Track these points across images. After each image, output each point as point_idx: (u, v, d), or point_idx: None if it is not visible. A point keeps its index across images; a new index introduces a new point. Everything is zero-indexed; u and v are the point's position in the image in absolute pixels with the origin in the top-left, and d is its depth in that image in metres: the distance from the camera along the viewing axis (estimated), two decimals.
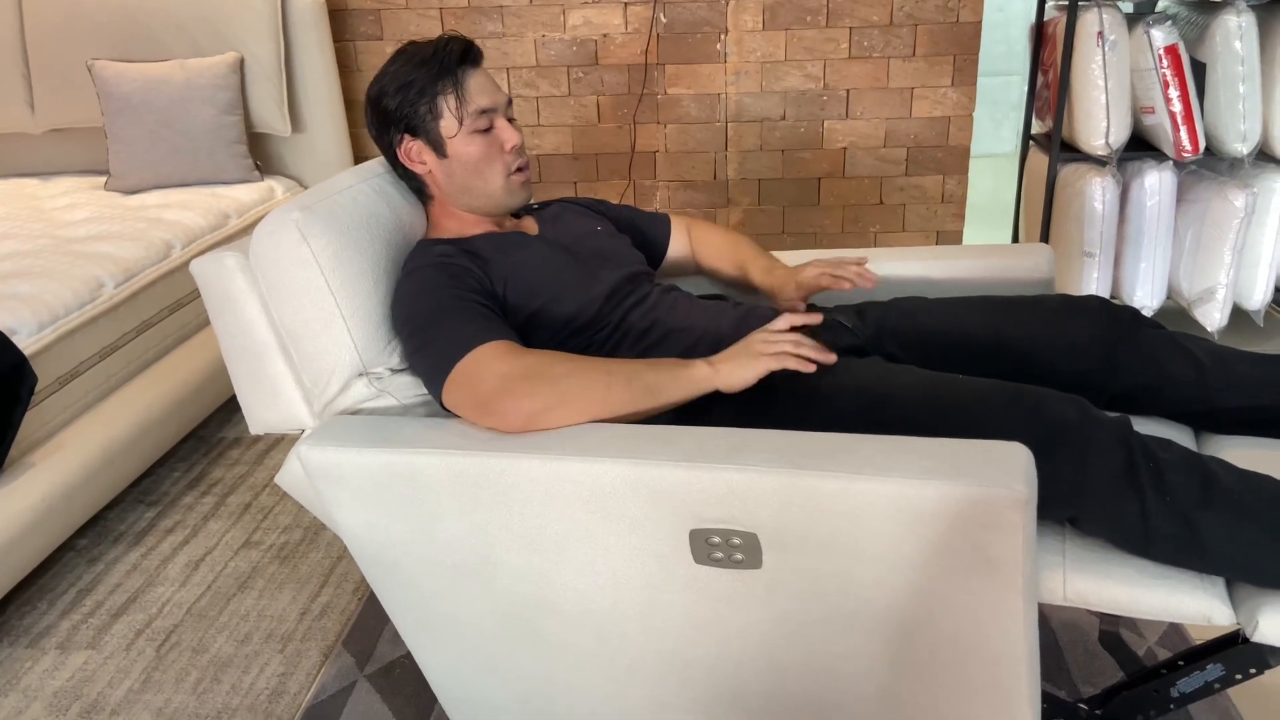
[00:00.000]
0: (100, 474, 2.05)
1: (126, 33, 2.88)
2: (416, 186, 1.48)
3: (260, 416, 1.39)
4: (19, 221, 2.57)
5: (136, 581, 1.97)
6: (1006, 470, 0.97)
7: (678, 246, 1.73)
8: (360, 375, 1.32)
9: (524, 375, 1.17)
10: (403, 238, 1.43)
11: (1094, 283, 2.63)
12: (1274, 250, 2.60)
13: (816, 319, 1.30)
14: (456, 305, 1.26)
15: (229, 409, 2.64)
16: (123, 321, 2.23)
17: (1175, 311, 2.77)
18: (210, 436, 2.52)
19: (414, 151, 1.43)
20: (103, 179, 2.95)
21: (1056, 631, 1.69)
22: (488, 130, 1.41)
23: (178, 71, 2.80)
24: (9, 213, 2.66)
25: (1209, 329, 2.62)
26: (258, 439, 2.48)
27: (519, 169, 1.44)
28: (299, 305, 1.28)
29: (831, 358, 1.24)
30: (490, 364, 1.18)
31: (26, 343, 1.93)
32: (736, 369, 1.23)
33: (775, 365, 1.22)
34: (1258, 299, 2.66)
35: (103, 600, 1.92)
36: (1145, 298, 2.65)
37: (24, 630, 1.84)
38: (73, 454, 1.99)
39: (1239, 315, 2.77)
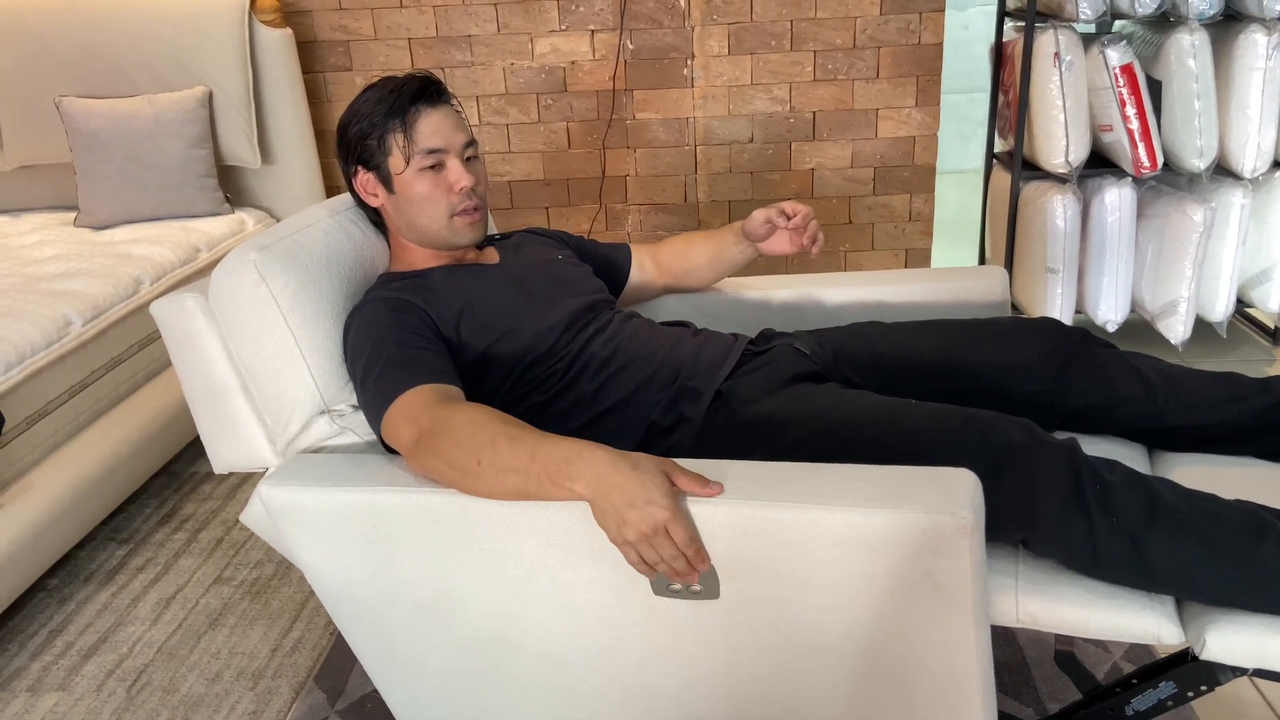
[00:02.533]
0: (70, 513, 2.04)
1: (94, 69, 2.88)
2: (375, 219, 1.50)
3: (223, 456, 1.40)
4: None
5: (107, 621, 1.96)
6: (953, 497, 0.98)
7: (639, 270, 1.75)
8: (322, 413, 1.32)
9: (425, 437, 1.15)
10: (364, 273, 1.44)
11: (1058, 298, 2.66)
12: (1234, 263, 2.64)
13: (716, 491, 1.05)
14: (388, 347, 1.26)
15: (200, 444, 2.62)
16: (91, 359, 2.23)
17: (1139, 325, 2.81)
18: (182, 472, 2.51)
19: (367, 184, 1.45)
20: (73, 215, 2.95)
21: (1024, 649, 1.70)
22: (438, 169, 1.41)
23: (146, 106, 2.80)
24: None
25: (1173, 341, 2.65)
26: (229, 473, 2.48)
27: (466, 210, 1.43)
28: (259, 345, 1.29)
29: (692, 579, 1.06)
30: (408, 416, 1.18)
31: None
32: (602, 510, 1.03)
33: (627, 554, 1.04)
34: (1220, 311, 2.70)
35: (73, 641, 1.91)
36: (1109, 312, 2.68)
37: None
38: (42, 493, 1.99)
39: (1202, 327, 2.81)
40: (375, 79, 1.46)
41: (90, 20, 2.86)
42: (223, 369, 1.35)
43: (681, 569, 1.04)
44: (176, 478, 2.49)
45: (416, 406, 1.18)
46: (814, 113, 3.11)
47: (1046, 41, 2.49)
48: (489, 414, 1.14)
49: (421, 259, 1.48)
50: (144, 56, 2.87)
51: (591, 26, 3.04)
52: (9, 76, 2.90)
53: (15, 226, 2.90)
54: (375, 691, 1.71)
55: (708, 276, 1.76)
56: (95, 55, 2.88)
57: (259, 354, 1.30)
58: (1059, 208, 2.56)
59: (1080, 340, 1.41)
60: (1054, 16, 2.56)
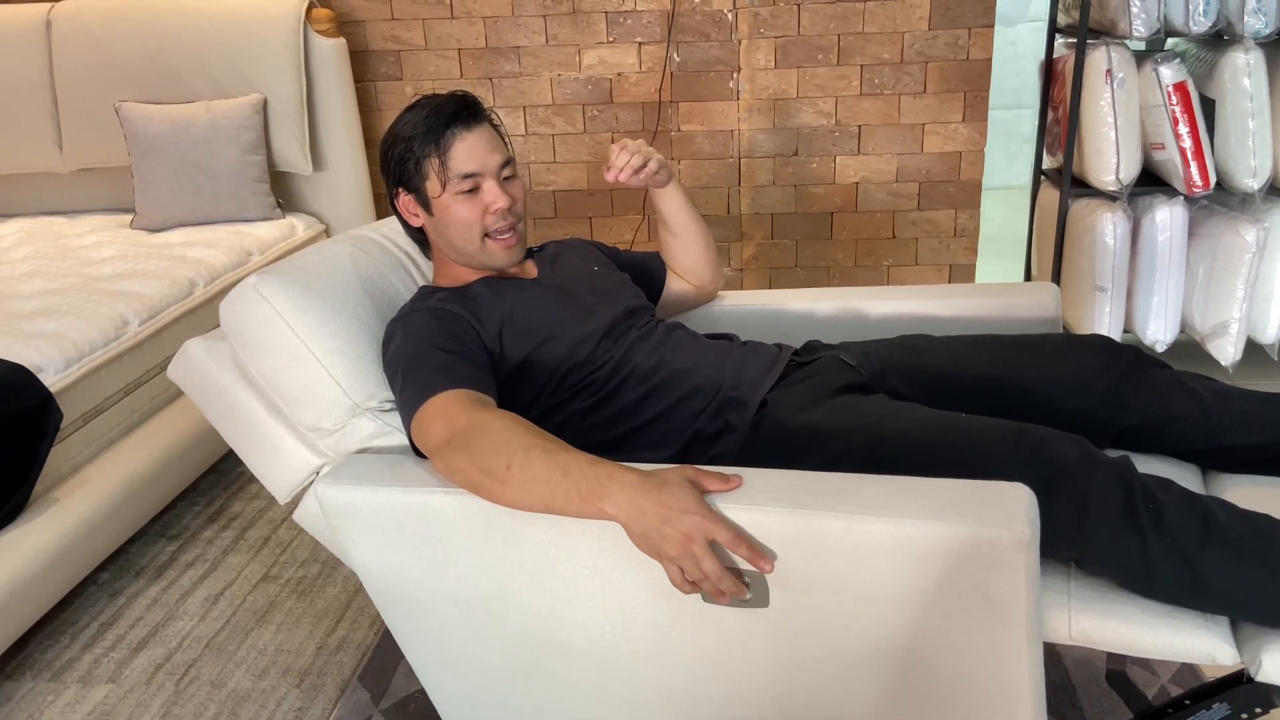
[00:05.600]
0: (122, 508, 2.08)
1: (153, 75, 2.95)
2: (418, 237, 1.53)
3: (277, 479, 1.42)
4: (47, 260, 2.63)
5: (157, 615, 2.00)
6: (1008, 511, 0.98)
7: (673, 277, 1.76)
8: (358, 411, 1.34)
9: (457, 437, 1.16)
10: (363, 288, 1.46)
11: (1106, 317, 2.63)
12: None
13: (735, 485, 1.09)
14: (430, 351, 1.29)
15: None
16: (147, 358, 2.27)
17: (1189, 346, 2.77)
18: (230, 471, 2.56)
19: (409, 205, 1.48)
20: (129, 217, 3.01)
21: (1070, 669, 1.69)
22: (474, 191, 1.43)
23: (203, 112, 2.86)
24: (37, 251, 2.72)
25: (1223, 363, 2.62)
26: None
27: (501, 231, 1.44)
28: (275, 359, 1.34)
29: (742, 593, 1.06)
30: (443, 414, 1.19)
31: (53, 380, 1.98)
32: (639, 533, 1.06)
33: (670, 572, 1.06)
34: (1271, 333, 2.66)
35: (124, 634, 1.95)
36: (1158, 332, 2.65)
37: (46, 664, 1.87)
38: (96, 489, 2.03)
39: (1253, 349, 2.77)
40: (425, 88, 1.48)
41: (150, 28, 2.94)
42: (242, 393, 1.41)
43: (728, 587, 1.04)
44: (225, 476, 2.53)
45: (453, 407, 1.20)
46: (859, 126, 3.11)
47: (1098, 58, 2.47)
48: (524, 424, 1.16)
49: (464, 275, 1.50)
50: (202, 63, 2.93)
51: (639, 39, 3.07)
52: (70, 81, 2.98)
53: (74, 227, 2.97)
54: (419, 692, 1.72)
55: (687, 241, 1.73)
56: (154, 62, 2.95)
57: (276, 366, 1.34)
58: (1109, 225, 2.54)
59: (1133, 358, 1.40)
60: (1106, 33, 2.54)
